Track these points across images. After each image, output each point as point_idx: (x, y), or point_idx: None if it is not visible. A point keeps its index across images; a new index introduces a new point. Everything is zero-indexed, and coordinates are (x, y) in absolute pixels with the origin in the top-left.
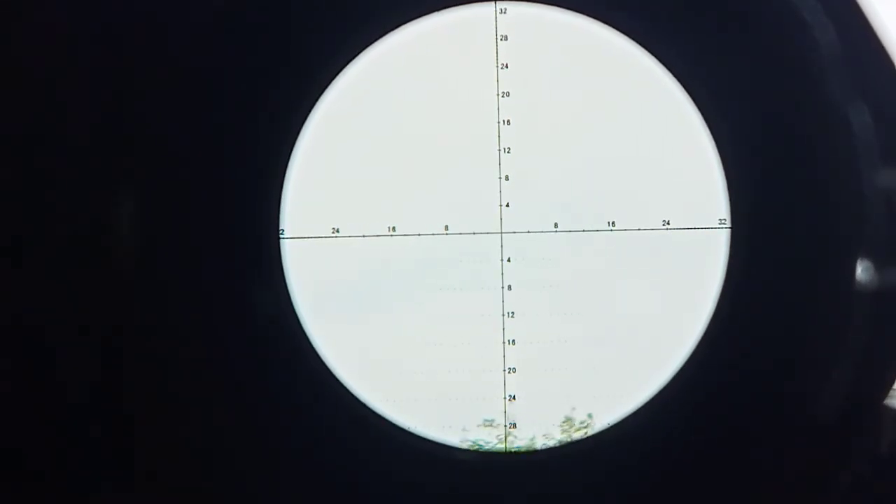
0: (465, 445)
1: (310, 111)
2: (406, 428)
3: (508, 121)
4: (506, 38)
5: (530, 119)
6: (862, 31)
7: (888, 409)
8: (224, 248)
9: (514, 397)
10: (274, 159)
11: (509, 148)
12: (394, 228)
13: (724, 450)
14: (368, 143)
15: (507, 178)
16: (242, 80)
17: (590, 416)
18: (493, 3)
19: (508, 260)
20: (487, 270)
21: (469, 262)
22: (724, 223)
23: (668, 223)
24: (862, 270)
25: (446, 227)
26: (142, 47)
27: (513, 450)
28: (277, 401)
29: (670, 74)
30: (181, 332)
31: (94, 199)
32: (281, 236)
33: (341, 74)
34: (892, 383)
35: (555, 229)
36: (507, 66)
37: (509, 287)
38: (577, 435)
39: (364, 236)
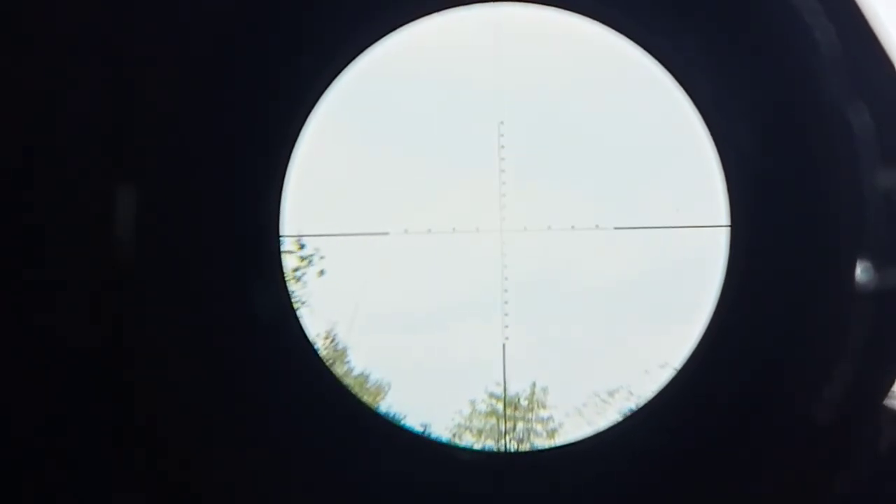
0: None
1: (310, 112)
2: (406, 428)
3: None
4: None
5: (529, 119)
6: (862, 32)
7: (888, 409)
8: (224, 248)
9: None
10: (274, 160)
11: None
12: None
13: (724, 450)
14: (366, 145)
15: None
16: (243, 82)
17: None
18: (492, 3)
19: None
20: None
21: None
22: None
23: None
24: (861, 271)
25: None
26: (144, 49)
27: (512, 450)
28: (277, 400)
29: (670, 75)
30: (181, 331)
31: (96, 199)
32: (281, 236)
33: (341, 75)
34: (892, 383)
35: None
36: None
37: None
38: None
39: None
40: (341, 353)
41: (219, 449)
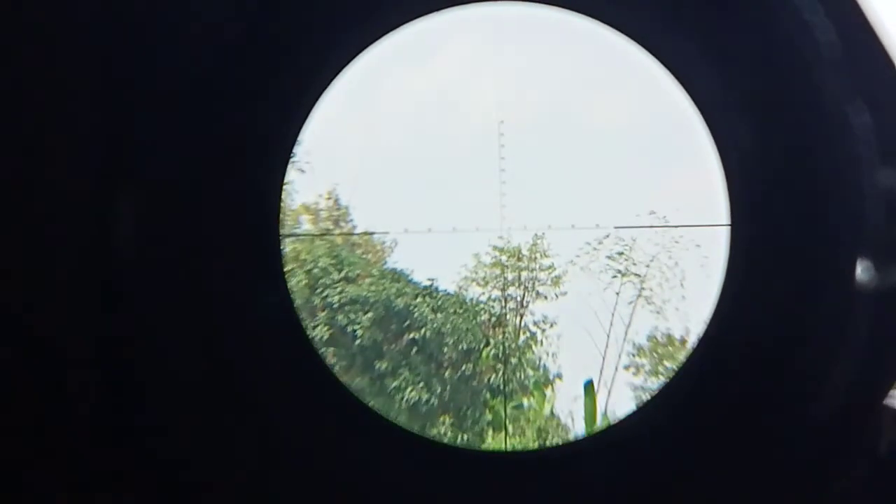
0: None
1: (309, 112)
2: (406, 429)
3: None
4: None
5: (529, 119)
6: (862, 32)
7: (888, 409)
8: (224, 249)
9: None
10: (274, 160)
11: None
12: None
13: (724, 449)
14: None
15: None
16: (242, 82)
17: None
18: (493, 3)
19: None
20: None
21: None
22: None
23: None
24: (862, 270)
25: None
26: (142, 49)
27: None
28: (277, 401)
29: (670, 74)
30: (181, 331)
31: (95, 199)
32: (281, 237)
33: (341, 74)
34: (893, 383)
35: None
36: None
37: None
38: None
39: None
40: (343, 213)
41: (219, 449)
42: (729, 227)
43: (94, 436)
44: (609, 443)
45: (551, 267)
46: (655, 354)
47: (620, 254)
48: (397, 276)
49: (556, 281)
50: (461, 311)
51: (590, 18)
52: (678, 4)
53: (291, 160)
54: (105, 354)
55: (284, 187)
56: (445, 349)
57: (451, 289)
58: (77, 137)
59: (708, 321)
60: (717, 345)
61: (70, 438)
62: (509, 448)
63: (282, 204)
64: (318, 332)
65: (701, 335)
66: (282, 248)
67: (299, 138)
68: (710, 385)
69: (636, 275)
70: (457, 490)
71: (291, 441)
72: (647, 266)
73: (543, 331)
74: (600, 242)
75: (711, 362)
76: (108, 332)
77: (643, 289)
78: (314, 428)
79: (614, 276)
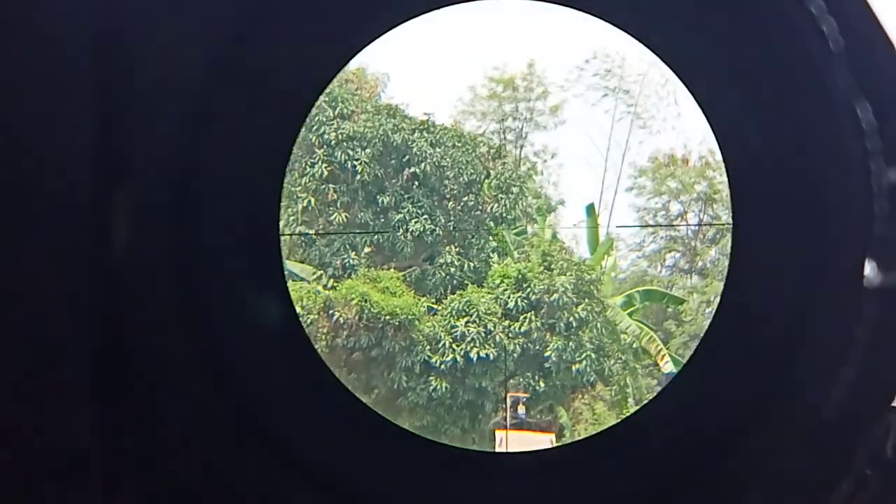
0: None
1: (308, 111)
2: (405, 429)
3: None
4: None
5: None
6: (868, 29)
7: (894, 410)
8: (224, 248)
9: None
10: (274, 159)
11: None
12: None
13: (727, 451)
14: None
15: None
16: (241, 79)
17: None
18: None
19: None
20: None
21: None
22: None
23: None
24: (868, 269)
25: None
26: (141, 49)
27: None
28: (277, 402)
29: (673, 71)
30: (180, 332)
31: (94, 199)
32: (280, 236)
33: (339, 73)
34: None
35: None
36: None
37: None
38: None
39: None
40: None
41: (218, 450)
42: (733, 227)
43: (93, 437)
44: (610, 443)
45: (545, 92)
46: (657, 175)
47: (608, 71)
48: (393, 111)
49: (555, 109)
50: (460, 144)
51: (594, 16)
52: (682, 2)
53: (289, 160)
54: (103, 355)
55: (283, 186)
56: (446, 182)
57: (448, 123)
58: (75, 137)
59: (712, 320)
60: (720, 346)
61: (69, 440)
62: (509, 449)
63: (280, 205)
64: (317, 169)
65: (705, 335)
66: (281, 250)
67: (297, 137)
68: (712, 386)
69: (626, 91)
70: (457, 491)
71: (291, 442)
72: (638, 83)
73: (544, 161)
74: (587, 62)
75: (714, 363)
76: (107, 333)
77: (636, 106)
78: (314, 429)
79: (605, 95)
